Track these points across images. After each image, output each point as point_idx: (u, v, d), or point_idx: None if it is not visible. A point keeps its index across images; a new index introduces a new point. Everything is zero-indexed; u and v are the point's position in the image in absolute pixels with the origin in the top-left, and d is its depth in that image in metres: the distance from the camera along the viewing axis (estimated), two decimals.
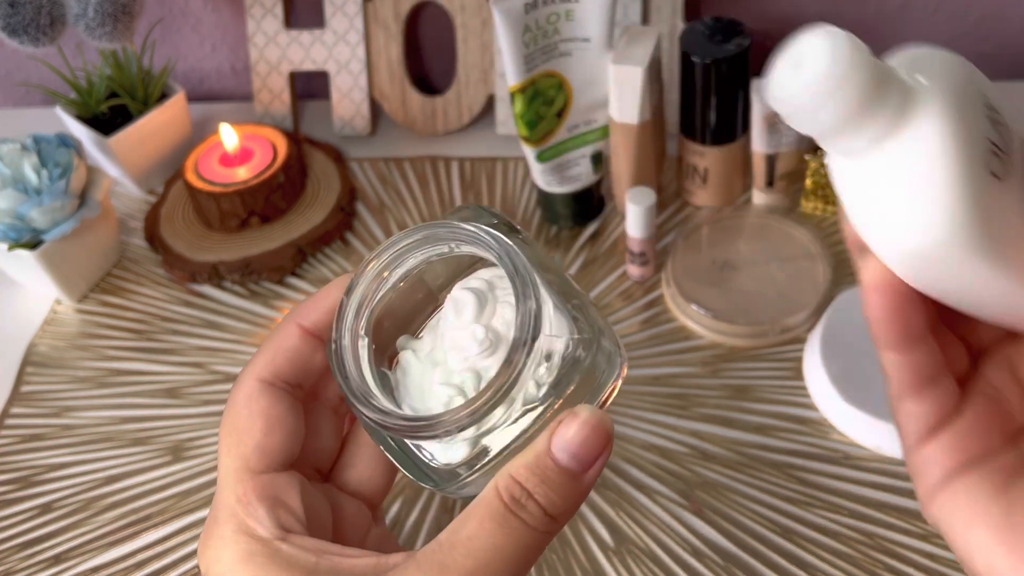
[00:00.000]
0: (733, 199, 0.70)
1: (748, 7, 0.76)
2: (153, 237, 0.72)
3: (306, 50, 0.78)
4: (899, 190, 0.25)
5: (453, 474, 0.29)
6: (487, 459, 0.29)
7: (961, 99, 0.25)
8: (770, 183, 0.67)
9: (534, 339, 0.27)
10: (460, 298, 0.29)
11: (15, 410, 0.63)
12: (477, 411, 0.27)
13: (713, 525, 0.53)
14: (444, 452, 0.29)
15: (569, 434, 0.27)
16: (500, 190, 0.74)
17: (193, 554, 0.54)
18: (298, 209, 0.72)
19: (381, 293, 0.31)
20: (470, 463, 0.29)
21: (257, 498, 0.30)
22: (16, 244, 0.64)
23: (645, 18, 0.74)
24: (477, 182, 0.75)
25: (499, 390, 0.27)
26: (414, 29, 0.81)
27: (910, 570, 0.50)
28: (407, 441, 0.30)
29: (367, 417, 0.28)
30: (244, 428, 0.31)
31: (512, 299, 0.28)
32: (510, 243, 0.28)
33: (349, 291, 0.30)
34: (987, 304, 0.28)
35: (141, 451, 0.60)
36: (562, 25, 0.61)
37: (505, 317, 0.29)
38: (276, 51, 0.79)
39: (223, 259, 0.69)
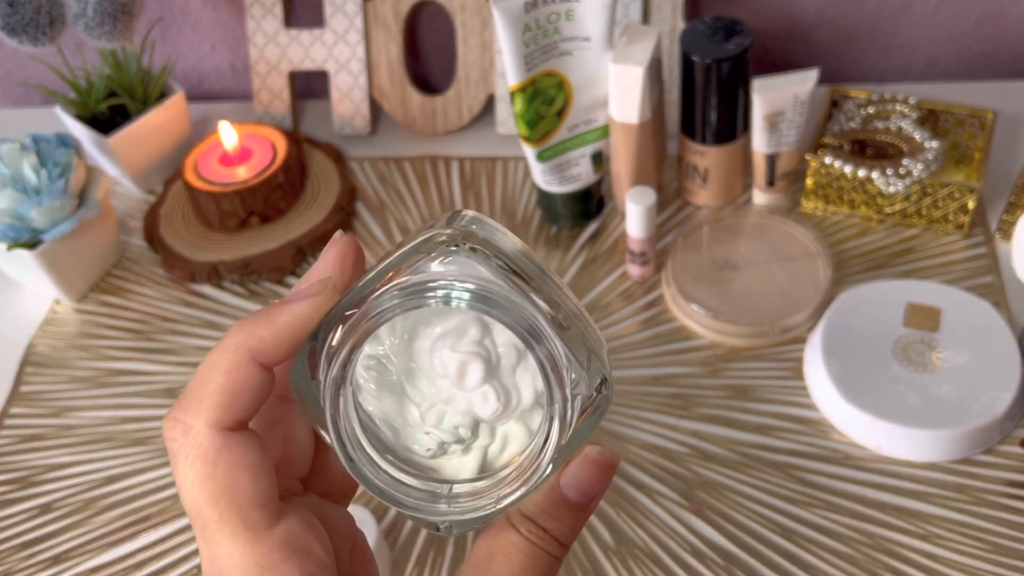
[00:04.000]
0: (733, 199, 0.70)
1: (748, 6, 0.76)
2: (153, 237, 0.72)
3: (306, 50, 0.78)
4: None
5: (456, 524, 0.29)
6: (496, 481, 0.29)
7: None
8: (770, 183, 0.67)
9: (567, 399, 0.27)
10: (465, 363, 0.28)
11: (14, 410, 0.63)
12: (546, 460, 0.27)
13: (713, 525, 0.53)
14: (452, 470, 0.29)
15: (580, 475, 0.29)
16: (500, 190, 0.74)
17: (192, 554, 0.54)
18: (298, 209, 0.72)
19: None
20: (476, 480, 0.29)
21: (280, 559, 0.27)
22: (15, 244, 0.64)
23: (645, 17, 0.74)
24: (477, 182, 0.75)
25: (551, 445, 0.27)
26: (414, 28, 0.81)
27: (910, 570, 0.50)
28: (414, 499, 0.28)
29: (410, 492, 0.28)
30: (228, 488, 0.27)
31: (511, 356, 0.28)
32: (510, 298, 0.27)
33: (350, 346, 0.27)
34: None
35: (140, 451, 0.60)
36: (562, 25, 0.61)
37: (507, 374, 0.28)
38: (276, 51, 0.79)
39: (223, 259, 0.69)
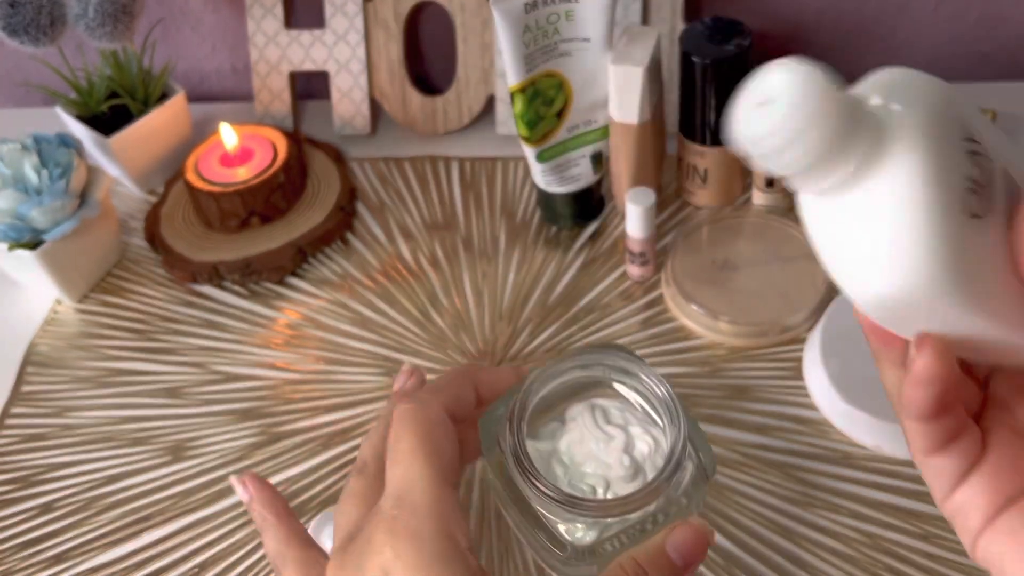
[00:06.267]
0: (733, 199, 0.70)
1: (748, 7, 0.77)
2: (153, 237, 0.72)
3: (306, 50, 0.78)
4: (872, 232, 0.24)
5: (581, 554, 0.36)
6: (612, 544, 0.36)
7: (938, 134, 0.24)
8: (770, 183, 0.67)
9: (680, 464, 0.36)
10: (614, 434, 0.38)
11: (16, 410, 0.63)
12: (649, 494, 0.36)
13: (713, 525, 0.53)
14: (577, 534, 0.36)
15: (683, 538, 0.34)
16: (500, 190, 0.74)
17: (193, 553, 0.54)
18: (298, 209, 0.72)
19: (539, 396, 0.39)
20: (596, 547, 0.36)
21: (457, 507, 0.34)
22: (16, 244, 0.64)
23: (645, 18, 0.74)
24: (477, 182, 0.75)
25: (657, 489, 0.35)
26: (414, 29, 0.81)
27: (910, 570, 0.50)
28: (548, 521, 0.37)
29: (544, 491, 0.35)
30: (442, 445, 0.35)
31: (647, 436, 0.38)
32: (664, 388, 0.38)
33: (531, 390, 0.38)
34: (972, 345, 0.27)
35: (141, 451, 0.60)
36: (562, 25, 0.61)
37: (640, 450, 0.38)
38: (276, 51, 0.79)
39: (223, 259, 0.69)
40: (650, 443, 0.38)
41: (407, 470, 0.34)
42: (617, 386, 0.40)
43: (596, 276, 0.67)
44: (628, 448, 0.37)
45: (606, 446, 0.37)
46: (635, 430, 0.38)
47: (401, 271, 0.69)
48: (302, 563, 0.39)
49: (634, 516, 0.36)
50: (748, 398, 0.58)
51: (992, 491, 0.28)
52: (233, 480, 0.45)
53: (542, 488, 0.35)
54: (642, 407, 0.39)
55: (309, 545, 0.40)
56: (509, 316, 0.65)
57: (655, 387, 0.38)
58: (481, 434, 0.38)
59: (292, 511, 0.43)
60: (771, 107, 0.24)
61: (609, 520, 0.35)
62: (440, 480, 0.34)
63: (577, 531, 0.36)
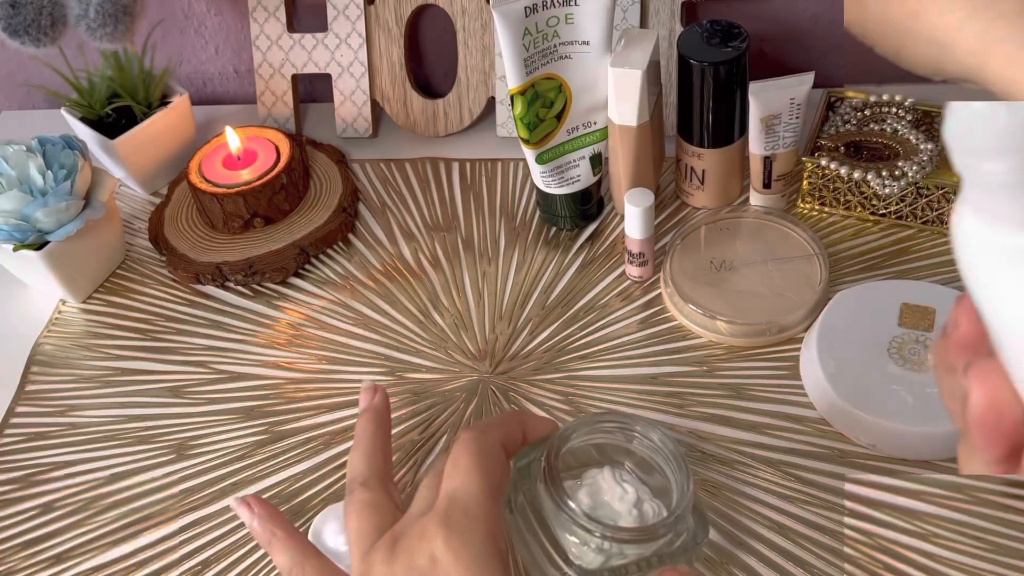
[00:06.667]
0: (730, 200, 0.70)
1: (745, 10, 0.77)
2: (157, 238, 0.73)
3: (309, 53, 0.79)
4: None
5: (586, 574, 0.43)
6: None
7: None
8: (767, 184, 0.68)
9: (683, 514, 0.43)
10: (628, 491, 0.44)
11: (20, 409, 0.64)
12: (651, 533, 0.43)
13: (712, 523, 0.53)
14: (587, 558, 0.42)
15: None
16: (500, 191, 0.74)
17: (194, 552, 0.55)
18: (301, 210, 0.73)
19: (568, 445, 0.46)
20: (598, 572, 0.42)
21: (501, 519, 0.40)
22: (21, 245, 0.65)
23: (643, 21, 0.75)
24: (477, 183, 0.75)
25: (658, 533, 0.42)
26: (415, 32, 0.82)
27: (909, 569, 0.51)
28: (569, 543, 0.43)
29: (572, 507, 0.42)
30: (494, 467, 0.41)
31: (654, 502, 0.45)
32: (672, 447, 0.45)
33: (567, 436, 0.45)
34: None
35: (145, 449, 0.60)
36: (561, 29, 0.62)
37: (648, 507, 0.45)
38: (279, 54, 0.80)
39: (226, 260, 0.70)
40: (655, 508, 0.44)
41: (463, 482, 0.40)
42: (635, 448, 0.47)
43: (595, 276, 0.67)
44: (638, 504, 0.44)
45: (620, 498, 0.44)
46: (645, 495, 0.45)
47: (402, 271, 0.69)
48: (322, 569, 0.45)
49: (631, 552, 0.41)
50: (745, 397, 0.59)
51: None
52: (233, 503, 0.49)
53: (571, 505, 0.41)
54: (654, 478, 0.46)
55: (320, 554, 0.46)
56: (509, 316, 0.65)
57: (668, 443, 0.45)
58: (515, 466, 0.45)
59: (295, 526, 0.47)
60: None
61: (612, 548, 0.42)
62: (489, 493, 0.40)
63: (588, 554, 0.42)
